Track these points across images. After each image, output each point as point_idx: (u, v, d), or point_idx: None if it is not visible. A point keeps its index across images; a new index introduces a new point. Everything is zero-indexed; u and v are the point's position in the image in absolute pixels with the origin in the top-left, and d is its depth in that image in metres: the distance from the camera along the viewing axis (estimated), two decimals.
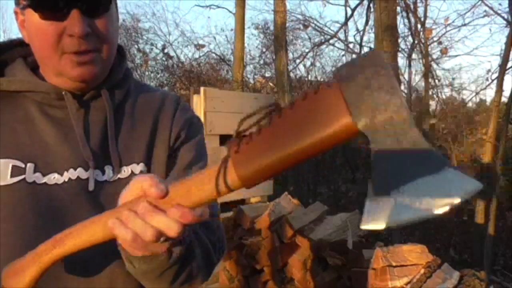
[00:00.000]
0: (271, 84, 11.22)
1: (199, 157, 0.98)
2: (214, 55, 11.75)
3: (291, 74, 9.13)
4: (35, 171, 0.81)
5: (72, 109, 0.86)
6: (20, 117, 0.84)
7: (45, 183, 0.81)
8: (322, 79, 11.42)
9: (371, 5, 9.10)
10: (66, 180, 0.83)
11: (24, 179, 0.80)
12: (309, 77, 10.96)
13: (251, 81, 11.42)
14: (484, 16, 5.71)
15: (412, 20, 7.05)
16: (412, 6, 6.56)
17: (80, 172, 0.84)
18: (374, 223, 0.49)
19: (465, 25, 5.99)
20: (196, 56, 12.03)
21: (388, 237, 6.16)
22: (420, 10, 6.33)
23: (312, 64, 10.78)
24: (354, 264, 2.33)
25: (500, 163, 4.88)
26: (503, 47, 4.99)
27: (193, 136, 0.99)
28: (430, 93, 6.61)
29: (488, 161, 5.16)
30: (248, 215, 2.88)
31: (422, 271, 2.12)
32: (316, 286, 2.47)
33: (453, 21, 6.14)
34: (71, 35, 0.78)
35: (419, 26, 6.15)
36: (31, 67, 0.88)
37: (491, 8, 5.46)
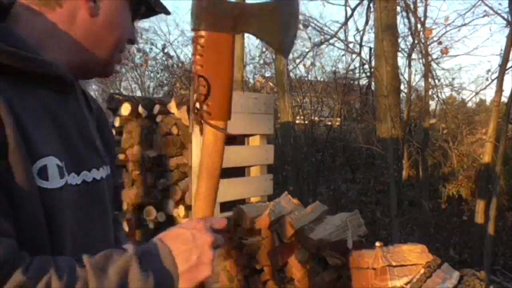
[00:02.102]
0: (271, 84, 11.21)
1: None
2: None
3: (291, 74, 9.12)
4: (71, 170, 0.77)
5: (81, 103, 0.86)
6: (42, 108, 0.75)
7: (84, 180, 0.80)
8: (322, 79, 11.42)
9: (371, 5, 9.10)
10: (98, 178, 0.84)
11: (66, 181, 0.75)
12: (309, 77, 10.96)
13: (251, 81, 11.41)
14: (484, 16, 5.71)
15: (412, 20, 7.06)
16: (412, 6, 6.56)
17: (102, 172, 0.86)
18: None
19: (465, 25, 6.00)
20: None
21: (388, 237, 6.16)
22: (420, 10, 6.34)
23: (312, 64, 10.77)
24: (354, 264, 2.33)
25: (500, 163, 4.88)
26: (503, 47, 4.99)
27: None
28: (430, 93, 6.61)
29: (488, 161, 5.16)
30: (248, 215, 2.88)
31: (422, 271, 2.12)
32: (316, 286, 2.47)
33: (453, 21, 6.13)
34: (130, 40, 0.89)
35: (419, 26, 6.15)
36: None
37: (491, 8, 5.46)
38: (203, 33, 0.81)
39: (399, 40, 8.26)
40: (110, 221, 0.89)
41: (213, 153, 0.91)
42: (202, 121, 0.89)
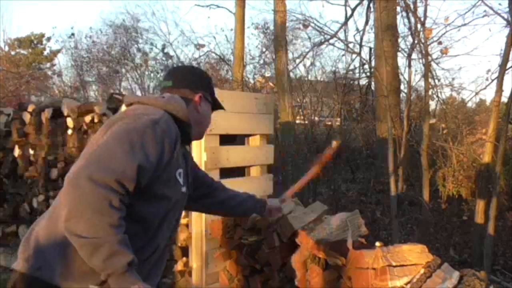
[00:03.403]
0: (271, 84, 11.21)
1: None
2: (214, 54, 11.76)
3: (291, 74, 9.11)
4: (183, 182, 1.53)
5: (188, 151, 1.70)
6: (182, 147, 1.58)
7: (184, 191, 1.55)
8: (322, 79, 11.42)
9: (371, 4, 9.09)
10: (185, 191, 1.57)
11: (183, 185, 1.54)
12: (309, 77, 10.96)
13: (251, 81, 11.41)
14: (484, 16, 5.68)
15: (412, 20, 7.04)
16: (412, 6, 6.55)
17: (186, 188, 1.59)
18: None
19: (465, 25, 5.95)
20: (196, 55, 12.05)
21: (388, 237, 6.16)
22: (420, 10, 6.31)
23: (312, 63, 10.78)
24: (354, 264, 2.33)
25: (500, 163, 4.87)
26: (503, 47, 4.98)
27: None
28: (430, 93, 6.60)
29: (488, 161, 5.16)
30: None
31: (422, 271, 2.13)
32: (316, 286, 2.47)
33: (453, 21, 6.11)
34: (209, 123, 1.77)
35: (419, 26, 6.14)
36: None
37: (491, 8, 5.44)
38: None
39: (399, 40, 8.25)
40: (179, 221, 1.66)
41: None
42: None
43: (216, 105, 1.73)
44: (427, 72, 6.01)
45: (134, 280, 1.23)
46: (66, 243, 1.25)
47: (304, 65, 10.81)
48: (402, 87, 8.59)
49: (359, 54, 8.85)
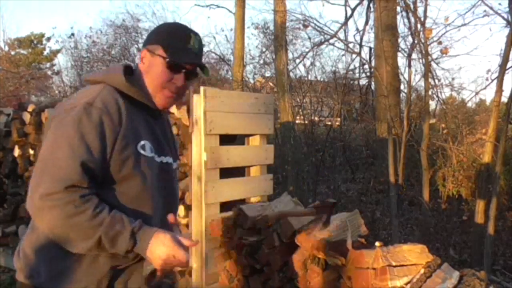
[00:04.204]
0: (271, 83, 11.21)
1: None
2: (214, 54, 11.76)
3: (291, 74, 9.11)
4: (155, 153, 1.43)
5: (162, 120, 1.56)
6: (141, 117, 1.42)
7: (160, 161, 1.45)
8: (322, 79, 11.42)
9: (371, 4, 9.10)
10: (169, 161, 1.51)
11: (153, 156, 1.42)
12: (309, 77, 10.96)
13: (251, 80, 11.42)
14: (484, 16, 5.69)
15: (412, 19, 7.04)
16: (412, 6, 6.55)
17: (171, 160, 1.53)
18: None
19: (465, 25, 5.96)
20: None
21: (388, 236, 6.16)
22: (420, 10, 6.32)
23: (312, 63, 10.78)
24: (354, 264, 2.33)
25: (500, 163, 4.88)
26: (503, 47, 4.98)
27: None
28: (430, 93, 6.60)
29: (488, 161, 5.16)
30: (248, 215, 2.88)
31: (422, 271, 2.12)
32: (316, 286, 2.47)
33: (453, 21, 6.11)
34: (174, 83, 1.43)
35: (419, 25, 6.14)
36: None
37: (491, 8, 5.44)
38: None
39: (399, 40, 8.25)
40: (175, 195, 1.59)
41: None
42: None
43: (173, 58, 1.41)
44: (427, 72, 6.02)
45: (149, 233, 1.28)
46: (47, 249, 1.32)
47: (304, 65, 10.82)
48: (402, 87, 8.60)
49: (359, 54, 8.86)
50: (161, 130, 1.52)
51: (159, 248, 1.26)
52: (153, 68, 1.41)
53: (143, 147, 1.38)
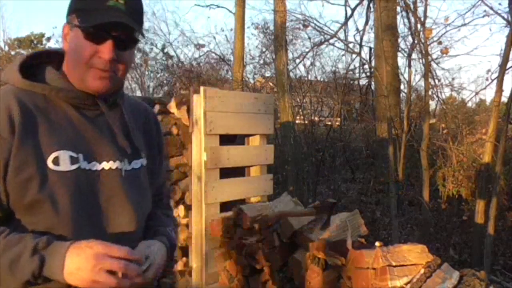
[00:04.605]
0: (271, 83, 11.21)
1: (165, 167, 1.44)
2: (214, 54, 11.75)
3: (291, 74, 9.11)
4: (83, 160, 1.09)
5: (106, 112, 1.15)
6: (64, 117, 1.10)
7: (90, 169, 1.10)
8: (322, 79, 11.42)
9: (371, 4, 9.10)
10: (106, 168, 1.12)
11: (79, 166, 1.08)
12: (309, 77, 10.96)
13: (251, 80, 11.41)
14: (484, 16, 5.70)
15: (412, 19, 7.04)
16: (412, 6, 6.55)
17: (117, 164, 1.14)
18: None
19: (465, 25, 5.97)
20: (196, 55, 12.03)
21: (388, 236, 6.16)
22: (420, 10, 6.32)
23: (312, 63, 10.78)
24: (354, 264, 2.33)
25: (500, 163, 4.87)
26: (503, 47, 4.98)
27: (164, 146, 1.39)
28: (430, 93, 6.60)
29: (488, 161, 5.16)
30: (248, 215, 2.88)
31: (422, 271, 2.12)
32: (316, 286, 2.47)
33: (453, 21, 6.12)
34: (100, 57, 1.06)
35: (419, 25, 6.14)
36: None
37: (491, 8, 5.45)
38: None
39: (399, 40, 8.26)
40: (123, 204, 1.14)
41: None
42: None
43: (88, 22, 1.05)
44: (427, 72, 6.02)
45: (62, 248, 0.97)
46: None
47: (304, 65, 10.82)
48: (402, 87, 8.60)
49: (359, 54, 8.86)
50: (107, 127, 1.15)
51: (82, 264, 0.94)
52: (72, 45, 1.09)
53: (55, 160, 1.04)
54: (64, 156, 1.06)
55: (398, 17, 8.30)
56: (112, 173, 1.13)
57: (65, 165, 1.05)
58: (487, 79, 5.96)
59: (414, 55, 6.92)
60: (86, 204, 1.07)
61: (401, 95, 8.71)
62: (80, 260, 0.94)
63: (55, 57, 1.18)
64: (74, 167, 1.07)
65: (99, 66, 1.07)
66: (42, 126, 1.06)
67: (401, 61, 10.39)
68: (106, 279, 0.94)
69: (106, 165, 1.12)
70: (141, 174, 1.21)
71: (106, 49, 1.06)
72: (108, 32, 1.05)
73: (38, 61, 1.17)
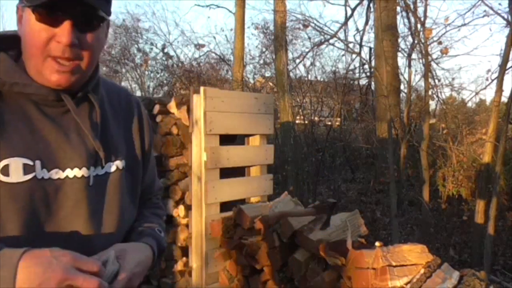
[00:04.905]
0: (271, 83, 11.21)
1: (154, 157, 1.23)
2: (214, 54, 11.75)
3: (291, 74, 9.12)
4: (42, 168, 0.90)
5: (73, 109, 0.95)
6: (20, 116, 0.90)
7: (50, 178, 0.91)
8: (322, 79, 11.42)
9: (371, 4, 9.11)
10: (71, 176, 0.94)
11: (35, 176, 0.89)
12: (309, 77, 10.96)
13: (251, 80, 11.41)
14: (484, 16, 5.69)
15: (412, 20, 7.05)
16: (412, 6, 6.56)
17: (84, 171, 0.95)
18: None
19: (465, 25, 5.98)
20: (196, 55, 12.05)
21: (388, 236, 6.16)
22: (420, 10, 6.33)
23: (312, 63, 10.78)
24: (354, 264, 2.33)
25: (500, 163, 4.87)
26: (503, 46, 4.99)
27: (153, 141, 1.19)
28: (430, 93, 6.61)
29: (488, 161, 5.16)
30: (248, 214, 2.88)
31: (422, 271, 2.12)
32: (316, 286, 2.47)
33: (453, 21, 6.13)
34: (58, 42, 0.86)
35: (419, 26, 6.15)
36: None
37: (491, 8, 5.45)
38: None
39: (399, 40, 8.27)
40: (87, 219, 0.96)
41: None
42: None
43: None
44: (427, 72, 6.02)
45: (13, 255, 0.76)
46: None
47: (304, 65, 10.82)
48: (402, 87, 8.61)
49: (359, 54, 8.86)
50: (74, 126, 0.96)
51: (44, 278, 0.73)
52: (24, 32, 0.90)
53: (5, 169, 0.86)
54: (16, 164, 0.87)
55: (398, 17, 8.31)
56: (77, 182, 0.94)
57: (17, 176, 0.87)
58: (487, 79, 5.99)
59: (414, 55, 6.93)
60: (40, 223, 0.89)
61: (401, 95, 8.73)
62: (41, 272, 0.73)
63: (14, 44, 0.95)
64: (28, 177, 0.88)
65: (57, 53, 0.87)
66: None
67: (401, 61, 10.42)
68: (84, 279, 0.76)
69: (70, 172, 0.93)
70: (118, 178, 1.03)
71: (63, 32, 0.86)
72: (64, 11, 0.85)
73: None
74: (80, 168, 0.95)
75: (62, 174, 0.92)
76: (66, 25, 0.86)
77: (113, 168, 1.02)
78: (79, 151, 0.95)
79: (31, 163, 0.89)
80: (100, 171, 0.99)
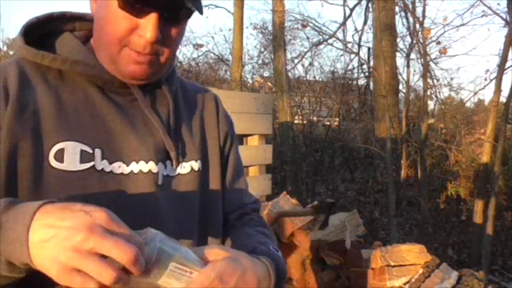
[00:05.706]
0: (269, 83, 11.21)
1: (240, 160, 1.07)
2: (212, 54, 11.73)
3: (290, 74, 9.12)
4: (102, 158, 0.77)
5: (141, 98, 0.84)
6: (81, 99, 0.80)
7: (111, 171, 0.78)
8: (320, 79, 11.43)
9: (369, 4, 9.11)
10: (136, 171, 0.80)
11: (93, 166, 0.76)
12: (308, 77, 10.97)
13: (250, 80, 11.41)
14: (483, 16, 5.70)
15: (411, 19, 7.06)
16: (410, 6, 6.57)
17: (152, 166, 0.82)
18: None
19: (463, 25, 5.98)
20: (195, 55, 12.02)
21: (386, 237, 6.16)
22: (419, 10, 6.35)
23: (311, 63, 10.78)
24: (352, 264, 2.33)
25: (499, 163, 4.88)
26: (502, 47, 4.99)
27: (235, 138, 1.05)
28: (429, 93, 6.62)
29: (487, 161, 5.16)
30: None
31: (421, 271, 2.12)
32: (315, 286, 2.47)
33: (451, 21, 6.14)
34: (140, 36, 0.76)
35: (417, 25, 6.16)
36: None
37: (489, 8, 5.45)
38: None
39: (398, 40, 8.27)
40: (160, 224, 0.77)
41: None
42: None
43: None
44: (426, 72, 6.02)
45: (30, 208, 0.56)
46: None
47: (303, 65, 10.81)
48: (400, 87, 8.60)
49: (357, 54, 8.86)
50: (142, 117, 0.85)
51: (64, 233, 0.53)
52: (101, 15, 0.79)
53: (59, 154, 0.74)
54: (73, 149, 0.74)
55: (397, 17, 8.31)
56: (144, 178, 0.80)
57: (72, 163, 0.74)
58: (485, 79, 6.00)
59: (412, 55, 6.94)
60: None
61: (399, 95, 8.72)
62: (63, 225, 0.53)
63: (82, 26, 0.88)
64: (85, 166, 0.75)
65: (137, 47, 0.76)
66: (47, 106, 0.76)
67: (400, 61, 10.40)
68: (97, 267, 0.52)
69: (135, 167, 0.80)
70: (192, 180, 0.88)
71: (147, 25, 0.74)
72: (151, 1, 0.74)
73: (59, 29, 0.86)
74: (146, 162, 0.81)
75: (126, 169, 0.79)
76: (152, 18, 0.74)
77: (187, 169, 0.88)
78: (146, 142, 0.82)
79: (90, 150, 0.76)
80: (171, 171, 0.85)
